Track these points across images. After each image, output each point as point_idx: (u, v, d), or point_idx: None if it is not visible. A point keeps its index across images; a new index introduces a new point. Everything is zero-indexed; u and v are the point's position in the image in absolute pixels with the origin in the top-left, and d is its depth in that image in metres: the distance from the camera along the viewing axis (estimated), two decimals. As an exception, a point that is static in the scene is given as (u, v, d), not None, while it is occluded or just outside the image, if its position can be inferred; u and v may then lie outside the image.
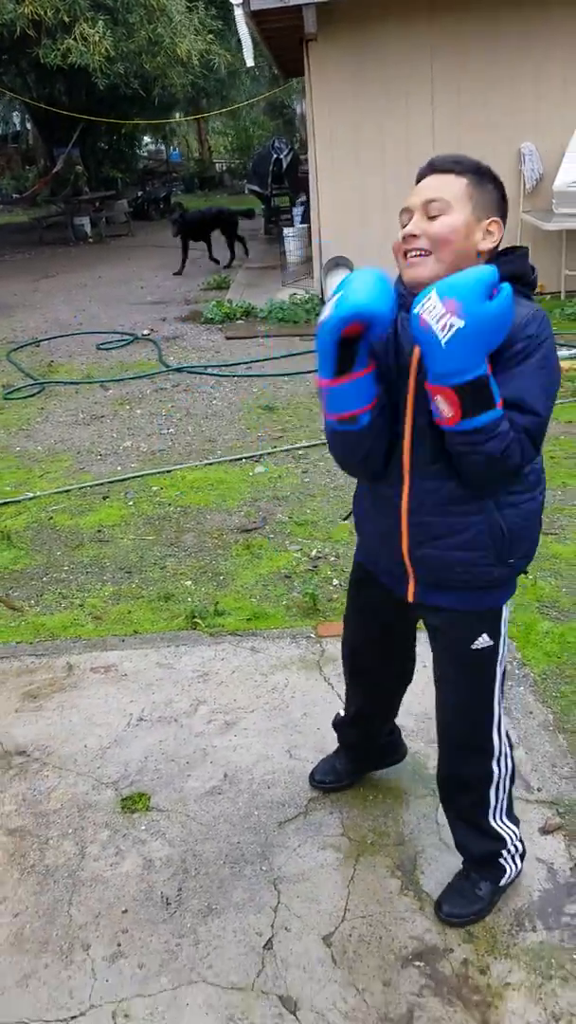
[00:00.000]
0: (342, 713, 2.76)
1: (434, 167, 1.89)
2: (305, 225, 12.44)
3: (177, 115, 26.03)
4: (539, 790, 2.74)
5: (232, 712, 3.21)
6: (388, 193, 8.99)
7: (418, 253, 1.84)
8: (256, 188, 16.77)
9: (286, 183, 16.11)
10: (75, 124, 18.07)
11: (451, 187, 1.84)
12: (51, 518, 4.91)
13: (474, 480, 1.88)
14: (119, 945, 2.32)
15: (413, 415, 1.92)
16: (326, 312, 1.79)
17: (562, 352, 7.25)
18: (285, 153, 15.89)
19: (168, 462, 5.63)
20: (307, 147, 10.64)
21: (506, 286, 1.70)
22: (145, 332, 9.17)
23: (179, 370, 7.71)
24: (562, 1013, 2.09)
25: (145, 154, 32.43)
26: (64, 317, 10.41)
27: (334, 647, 3.50)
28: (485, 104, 8.97)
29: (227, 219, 13.13)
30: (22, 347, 8.98)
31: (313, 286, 10.08)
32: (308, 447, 5.67)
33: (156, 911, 2.42)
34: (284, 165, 15.87)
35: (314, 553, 4.32)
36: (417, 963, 2.23)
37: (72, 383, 7.60)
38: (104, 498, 5.14)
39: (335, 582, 4.05)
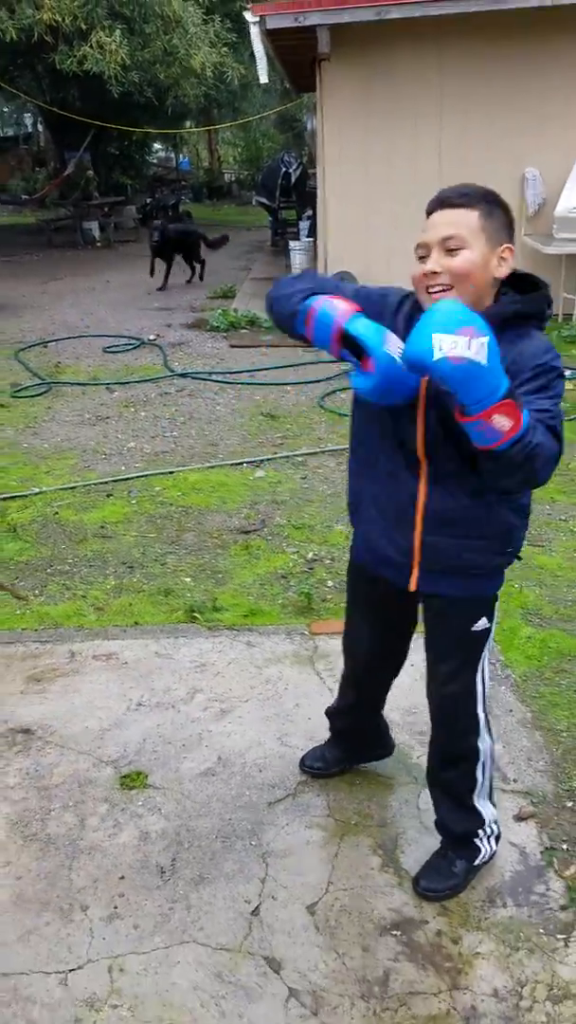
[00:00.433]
0: (334, 703, 2.92)
1: (444, 202, 1.99)
2: (311, 239, 12.64)
3: (188, 125, 26.29)
4: (515, 781, 2.91)
5: (227, 701, 3.37)
6: (394, 211, 9.18)
7: (441, 288, 1.96)
8: (264, 201, 16.99)
9: (294, 197, 16.33)
10: (87, 129, 18.28)
11: (464, 221, 1.94)
12: (56, 513, 5.08)
13: (535, 480, 1.93)
14: (116, 907, 2.48)
15: (425, 411, 2.06)
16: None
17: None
18: (294, 167, 16.11)
19: (171, 463, 5.80)
20: (315, 162, 10.85)
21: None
22: (151, 337, 9.35)
23: (184, 375, 7.89)
24: (527, 980, 2.25)
25: (155, 161, 32.70)
26: (72, 320, 10.58)
27: (326, 644, 3.67)
28: (491, 127, 9.18)
29: (198, 239, 12.86)
30: (30, 347, 9.15)
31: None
32: (308, 454, 5.85)
33: (151, 878, 2.58)
34: (293, 179, 16.09)
35: (310, 555, 4.49)
36: (394, 932, 2.40)
37: (79, 384, 7.77)
38: (108, 496, 5.30)
39: (329, 583, 4.21)
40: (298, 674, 3.52)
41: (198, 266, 13.06)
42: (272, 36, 9.19)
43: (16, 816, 2.83)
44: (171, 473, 5.62)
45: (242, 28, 12.72)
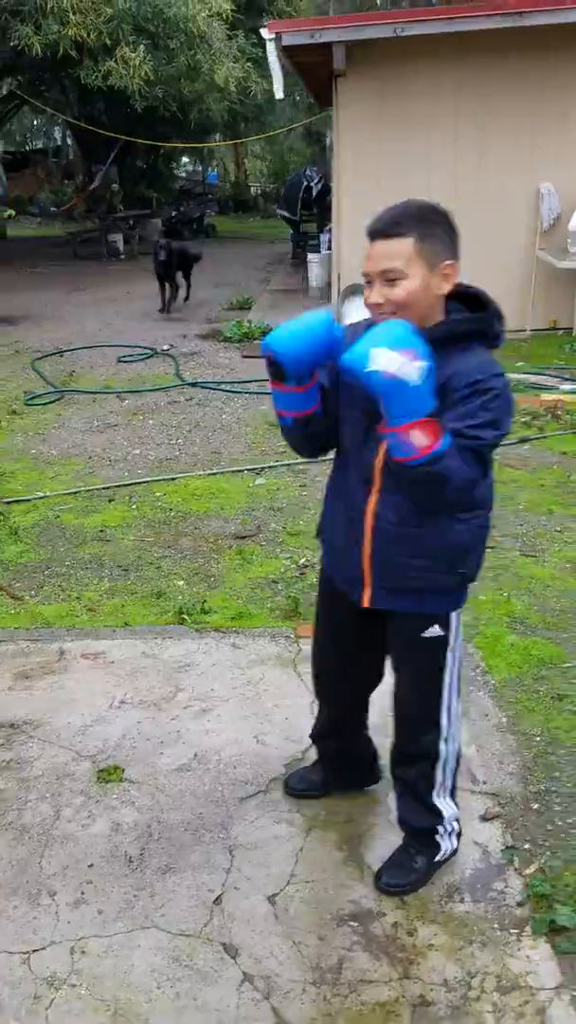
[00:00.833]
0: (314, 724, 2.91)
1: (378, 233, 2.04)
2: (330, 252, 12.74)
3: (215, 138, 26.57)
4: (484, 783, 2.96)
5: (208, 700, 3.44)
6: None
7: (387, 316, 2.04)
8: (286, 214, 17.17)
9: (315, 210, 16.47)
10: (113, 142, 18.54)
11: (399, 251, 2.00)
12: (58, 517, 5.18)
13: (439, 504, 2.09)
14: (82, 893, 2.56)
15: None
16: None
17: (565, 386, 7.48)
18: (316, 181, 16.26)
19: (174, 470, 5.90)
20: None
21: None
22: (165, 347, 9.48)
23: (193, 385, 8.00)
24: (477, 971, 2.30)
25: (183, 174, 33.06)
26: (90, 330, 10.75)
27: (311, 647, 3.72)
28: (506, 143, 9.26)
29: (196, 258, 12.42)
30: (47, 356, 9.31)
31: (333, 311, 10.36)
32: (307, 463, 5.92)
33: (119, 867, 2.65)
34: (314, 193, 16.24)
35: (303, 561, 4.56)
36: (352, 923, 2.45)
37: (90, 392, 7.91)
38: (110, 501, 5.40)
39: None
40: (280, 675, 3.58)
41: (191, 286, 12.60)
42: (290, 52, 9.30)
43: (-6, 805, 2.91)
44: (173, 479, 5.71)
45: (266, 43, 12.89)
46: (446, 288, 2.08)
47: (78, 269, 16.71)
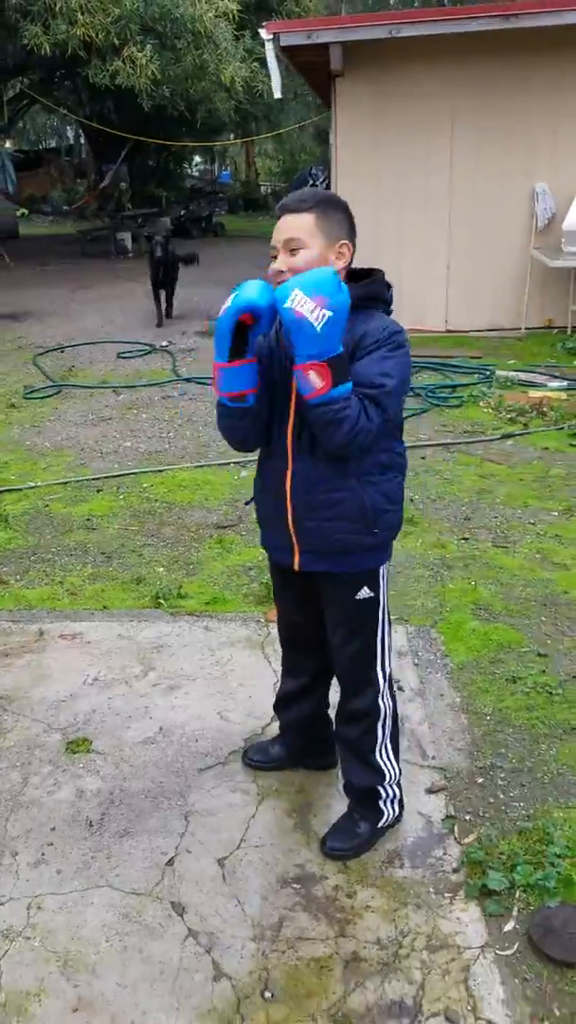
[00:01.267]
0: (278, 691, 3.05)
1: (285, 208, 2.29)
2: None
3: (228, 136, 26.72)
4: (433, 758, 3.09)
5: (177, 679, 3.58)
6: (403, 224, 9.41)
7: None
8: (292, 212, 17.27)
9: (321, 209, 16.57)
10: (124, 141, 18.72)
11: (301, 224, 2.24)
12: (47, 506, 5.33)
13: (337, 446, 2.24)
14: (43, 855, 2.70)
15: (295, 406, 2.32)
16: (224, 306, 2.22)
17: (553, 384, 7.59)
18: (321, 180, 16.40)
19: (162, 462, 6.04)
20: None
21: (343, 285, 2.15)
22: (163, 344, 9.63)
23: (188, 380, 8.16)
24: (410, 931, 2.43)
25: (196, 173, 33.23)
26: (93, 326, 10.90)
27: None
28: (502, 143, 9.36)
29: (185, 261, 11.41)
30: (48, 352, 9.47)
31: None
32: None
33: (80, 830, 2.79)
34: (320, 191, 16.35)
35: (281, 550, 4.69)
36: (295, 885, 2.59)
37: (86, 387, 8.07)
38: (98, 491, 5.55)
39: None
40: (248, 657, 3.72)
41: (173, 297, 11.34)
42: (291, 53, 9.42)
43: (-34, 773, 3.06)
44: (160, 471, 5.86)
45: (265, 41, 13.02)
46: (340, 265, 2.30)
47: (86, 267, 16.88)
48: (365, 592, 2.49)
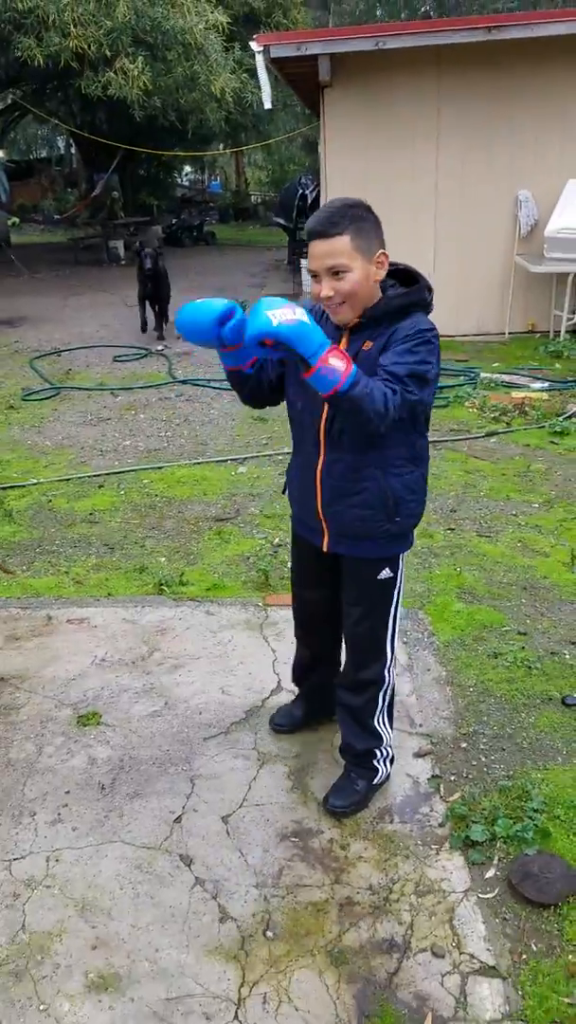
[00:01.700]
0: (293, 661, 3.29)
1: (318, 234, 2.34)
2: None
3: (218, 147, 26.98)
4: (421, 726, 3.31)
5: (181, 658, 3.79)
6: (390, 230, 9.53)
7: (338, 304, 2.40)
8: (282, 221, 17.55)
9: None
10: (115, 151, 18.94)
11: (340, 249, 2.32)
12: (50, 501, 5.54)
13: (371, 425, 2.32)
14: (59, 815, 2.91)
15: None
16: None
17: (535, 385, 7.83)
18: (311, 189, 16.61)
19: (161, 460, 6.26)
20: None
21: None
22: (159, 348, 9.85)
23: (184, 382, 8.37)
24: (399, 878, 2.65)
25: (186, 183, 33.49)
26: (88, 331, 11.12)
27: (276, 613, 4.09)
28: (487, 151, 9.61)
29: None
30: (44, 356, 9.68)
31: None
32: (288, 453, 6.26)
33: (93, 793, 3.00)
34: (309, 200, 16.59)
35: (276, 541, 4.91)
36: (293, 839, 2.80)
37: (85, 389, 8.28)
38: (100, 487, 5.77)
39: (289, 565, 4.61)
40: (247, 638, 3.93)
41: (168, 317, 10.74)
42: (280, 64, 9.68)
43: (-17, 744, 3.27)
44: (160, 468, 6.07)
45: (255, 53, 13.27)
46: (382, 274, 2.44)
47: (79, 274, 17.09)
48: (386, 573, 2.70)
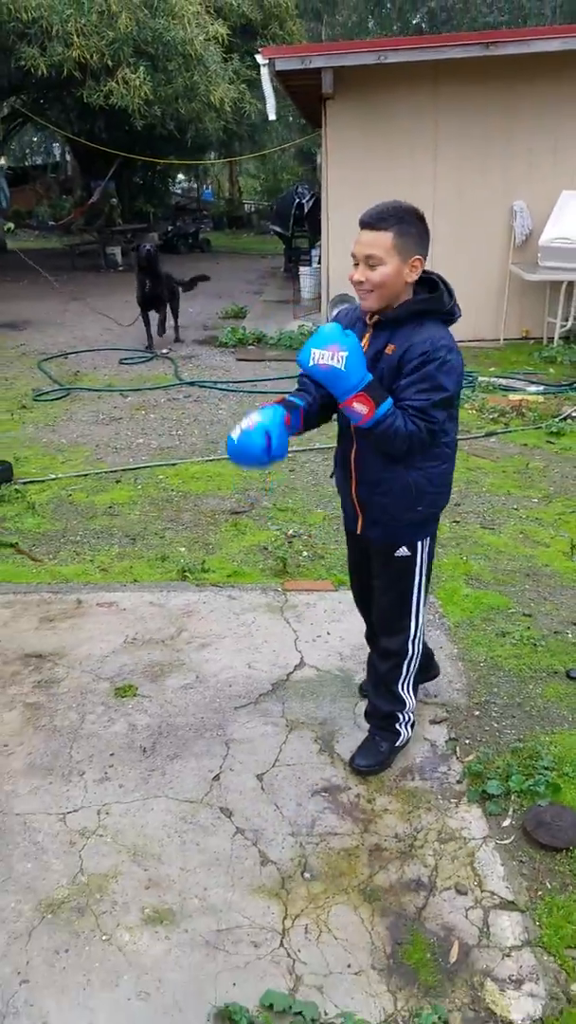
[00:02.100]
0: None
1: (366, 224, 2.57)
2: (320, 266, 13.40)
3: (211, 156, 27.29)
4: (436, 696, 3.56)
5: (208, 637, 4.04)
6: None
7: (366, 291, 2.66)
8: (279, 229, 17.85)
9: (306, 226, 17.11)
10: (112, 159, 19.19)
11: (381, 242, 2.55)
12: (70, 495, 5.78)
13: (398, 452, 2.66)
14: (106, 774, 3.15)
15: None
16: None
17: (531, 388, 8.12)
18: (307, 198, 16.91)
19: (174, 457, 6.51)
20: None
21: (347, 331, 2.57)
22: (164, 351, 10.10)
23: (191, 384, 8.62)
24: (422, 828, 2.90)
25: (179, 191, 33.77)
26: (91, 335, 11.35)
27: (295, 598, 4.34)
28: (483, 162, 9.93)
29: (187, 286, 11.18)
30: (51, 358, 9.91)
31: (321, 319, 11.00)
32: (297, 451, 6.53)
33: (135, 755, 3.24)
34: (306, 209, 16.88)
35: (290, 532, 5.16)
36: (323, 794, 3.05)
37: (95, 390, 8.52)
38: (117, 482, 6.01)
39: (304, 554, 4.87)
40: (269, 620, 4.18)
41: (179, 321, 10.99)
42: (283, 77, 9.96)
43: (30, 713, 3.50)
44: (174, 464, 6.32)
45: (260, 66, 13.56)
46: (413, 277, 2.66)
47: (77, 280, 17.28)
48: (403, 551, 2.93)
